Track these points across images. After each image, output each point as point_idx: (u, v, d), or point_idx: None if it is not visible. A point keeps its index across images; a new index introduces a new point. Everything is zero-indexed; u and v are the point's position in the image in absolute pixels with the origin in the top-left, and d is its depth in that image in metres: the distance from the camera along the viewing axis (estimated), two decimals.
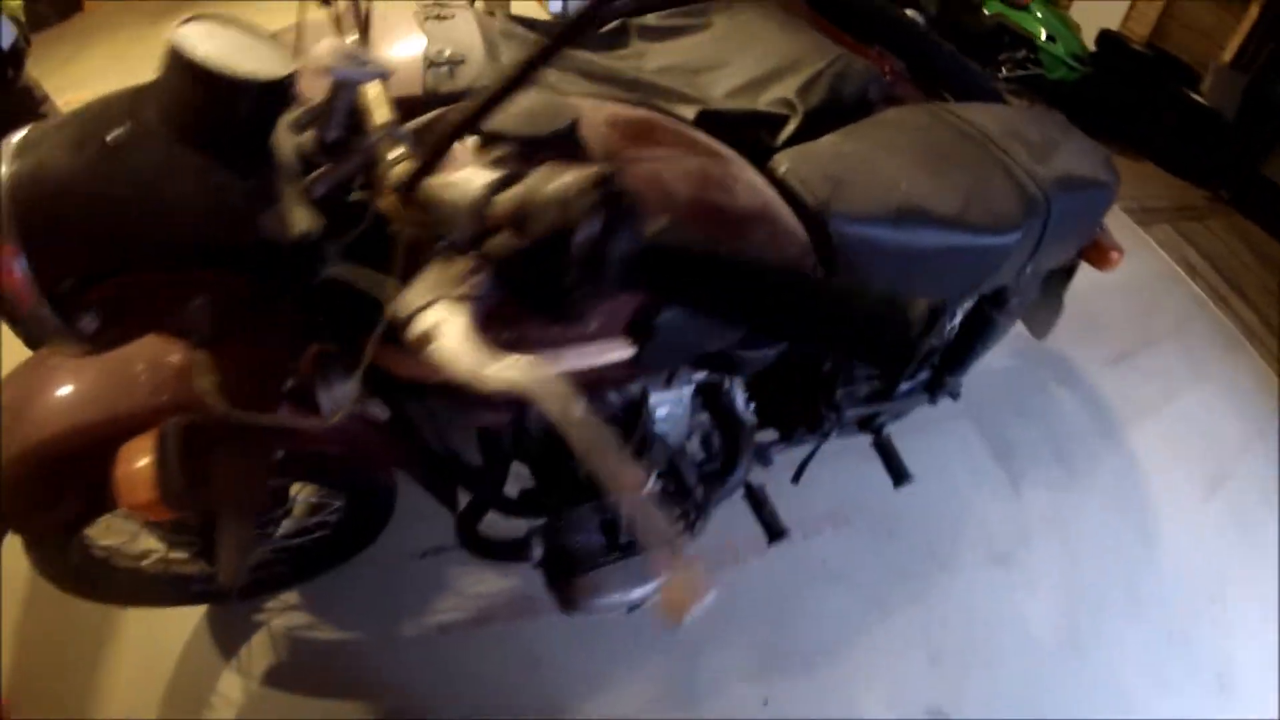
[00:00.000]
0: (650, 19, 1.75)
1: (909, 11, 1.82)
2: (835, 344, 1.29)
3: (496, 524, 1.13)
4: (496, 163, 0.57)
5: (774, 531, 1.36)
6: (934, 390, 1.52)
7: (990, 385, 1.95)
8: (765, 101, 1.48)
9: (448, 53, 1.33)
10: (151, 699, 1.31)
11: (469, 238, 0.56)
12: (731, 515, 1.38)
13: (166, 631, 1.36)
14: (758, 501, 1.37)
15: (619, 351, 0.90)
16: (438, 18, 1.46)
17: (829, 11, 1.75)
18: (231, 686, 1.31)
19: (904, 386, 1.45)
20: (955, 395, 1.57)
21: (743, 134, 1.45)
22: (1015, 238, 1.18)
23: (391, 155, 0.65)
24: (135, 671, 1.34)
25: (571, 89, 1.39)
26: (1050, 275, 1.56)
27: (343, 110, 0.69)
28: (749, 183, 1.02)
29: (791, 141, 1.41)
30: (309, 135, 0.69)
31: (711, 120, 1.43)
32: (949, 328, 1.42)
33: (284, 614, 1.40)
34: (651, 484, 1.01)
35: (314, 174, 0.67)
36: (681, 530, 1.16)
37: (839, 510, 1.65)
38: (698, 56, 1.63)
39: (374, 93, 0.74)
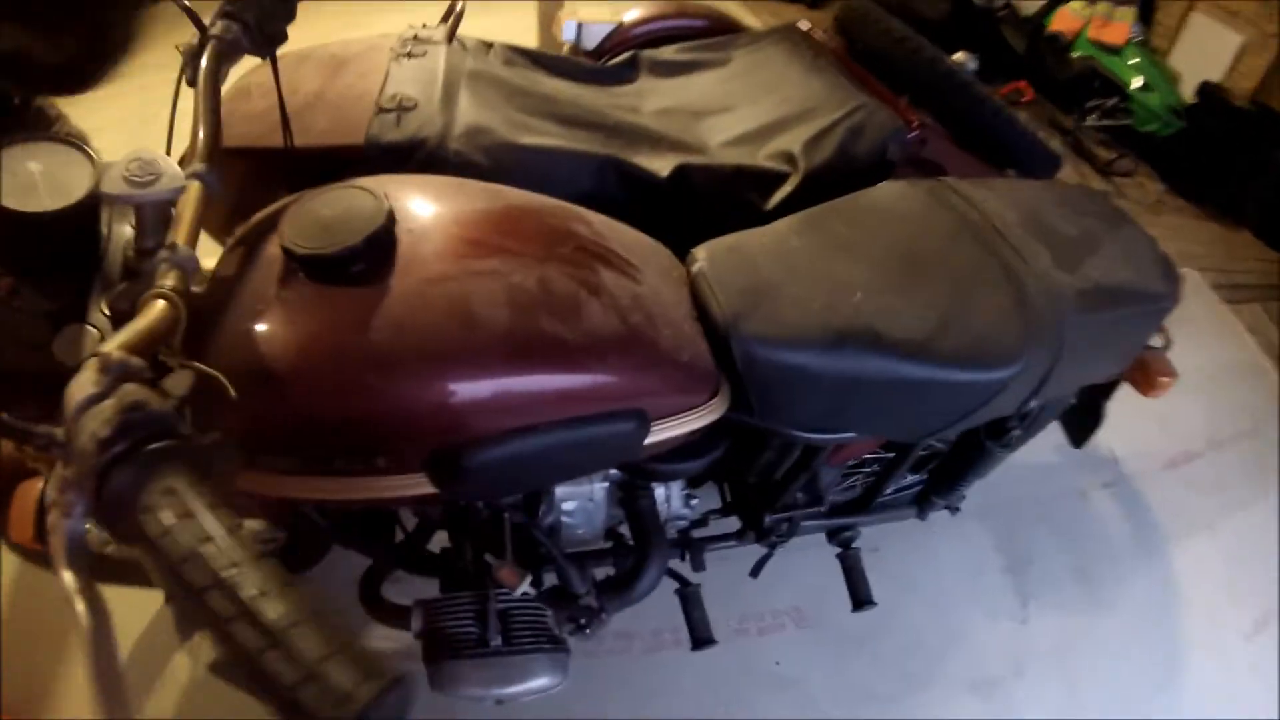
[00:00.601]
0: (667, 52, 1.63)
1: (960, 55, 1.62)
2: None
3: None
4: (105, 369, 0.49)
5: (698, 638, 1.20)
6: (923, 506, 1.32)
7: (1014, 482, 1.67)
8: (765, 154, 1.33)
9: (399, 97, 1.25)
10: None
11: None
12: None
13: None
14: (688, 601, 1.21)
15: (414, 488, 0.76)
16: (409, 55, 1.37)
17: (860, 51, 1.57)
18: (181, 668, 1.36)
19: (880, 498, 1.26)
20: (953, 509, 1.36)
21: (730, 193, 1.31)
22: (1007, 373, 0.93)
23: (163, 280, 0.61)
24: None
25: (538, 132, 1.28)
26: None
27: (149, 222, 0.69)
28: (617, 298, 0.82)
29: (788, 205, 1.25)
30: (127, 246, 0.72)
31: (691, 176, 1.29)
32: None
33: None
34: (525, 585, 0.90)
35: (114, 291, 0.69)
36: (568, 631, 1.03)
37: (803, 608, 1.47)
38: (705, 97, 1.50)
39: (187, 201, 0.70)
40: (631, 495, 1.06)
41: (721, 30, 1.81)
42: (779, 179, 1.29)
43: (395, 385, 0.70)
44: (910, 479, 1.30)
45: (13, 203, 0.66)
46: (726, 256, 0.97)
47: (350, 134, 1.22)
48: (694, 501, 1.16)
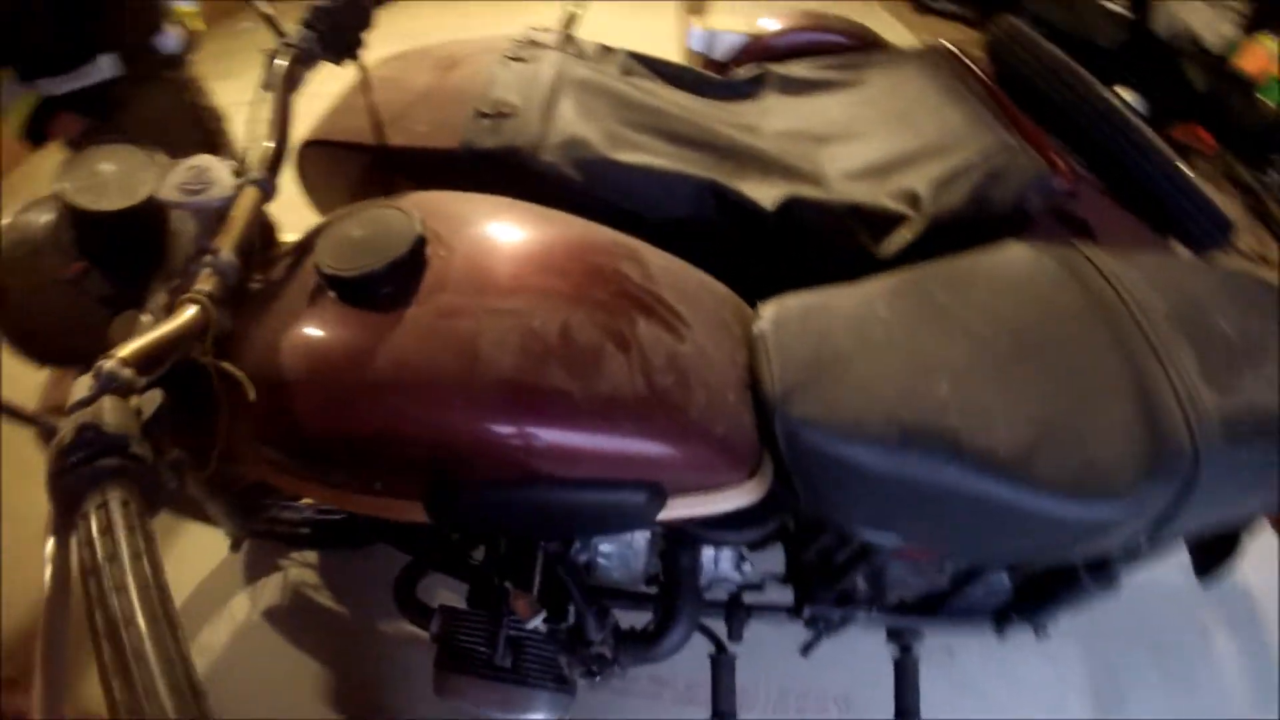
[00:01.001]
0: (798, 68, 1.53)
1: (1124, 92, 1.42)
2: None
3: None
4: (96, 376, 0.54)
5: (719, 710, 1.09)
6: (1002, 621, 1.11)
7: (1122, 601, 1.26)
8: (887, 191, 1.21)
9: (498, 103, 1.22)
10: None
11: None
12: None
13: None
14: (717, 668, 1.10)
15: (409, 514, 0.74)
16: (517, 59, 1.34)
17: (1010, 81, 1.40)
18: (240, 608, 1.53)
19: (953, 602, 1.08)
20: (1039, 632, 1.13)
21: (842, 232, 1.20)
22: (1115, 510, 0.74)
23: (201, 285, 0.66)
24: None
25: (638, 148, 1.22)
26: None
27: (204, 226, 0.74)
28: (648, 356, 0.74)
29: (906, 253, 1.12)
30: (189, 244, 0.76)
31: (801, 209, 1.20)
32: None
33: (302, 569, 1.58)
34: (538, 620, 0.86)
35: (170, 285, 0.75)
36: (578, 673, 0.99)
37: (852, 696, 1.31)
38: (832, 121, 1.39)
39: (241, 207, 0.74)
40: (673, 550, 0.97)
41: (863, 46, 1.69)
42: (898, 222, 1.17)
43: (391, 413, 0.70)
44: (994, 582, 1.14)
45: (83, 200, 0.75)
46: (797, 318, 0.86)
47: (448, 137, 1.20)
48: (746, 566, 1.07)
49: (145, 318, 0.72)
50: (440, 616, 0.93)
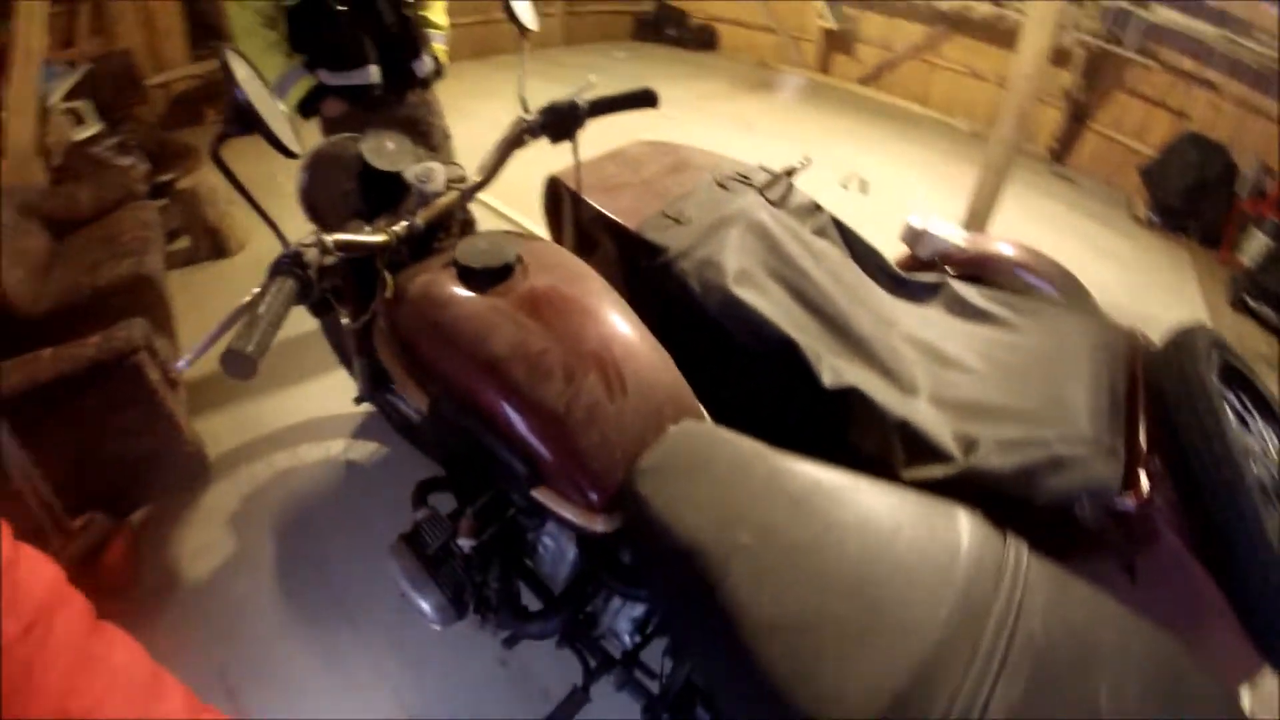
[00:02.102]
0: (975, 293, 1.57)
1: None
2: None
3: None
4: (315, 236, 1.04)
5: None
6: None
7: None
8: (955, 430, 1.24)
9: (681, 211, 1.50)
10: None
11: None
12: None
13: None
14: (568, 701, 1.27)
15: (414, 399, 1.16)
16: (723, 185, 1.61)
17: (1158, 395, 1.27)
18: (335, 445, 2.26)
19: None
20: None
21: (880, 440, 1.26)
22: None
23: (394, 229, 1.20)
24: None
25: (765, 295, 1.39)
26: None
27: (418, 200, 1.26)
28: (578, 395, 1.04)
29: (927, 488, 1.07)
30: (408, 205, 1.28)
31: (854, 402, 1.27)
32: None
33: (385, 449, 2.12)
34: (468, 543, 1.16)
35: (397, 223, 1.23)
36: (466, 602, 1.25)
37: None
38: (967, 349, 1.44)
39: (443, 200, 1.28)
40: (585, 577, 1.20)
41: (1065, 293, 1.64)
42: (936, 457, 1.22)
43: (441, 345, 1.12)
44: None
45: (368, 155, 1.30)
46: (705, 437, 1.04)
47: (633, 218, 1.54)
48: (634, 637, 1.23)
49: (365, 227, 1.20)
50: (424, 510, 1.26)
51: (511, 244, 1.20)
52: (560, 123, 1.33)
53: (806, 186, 1.79)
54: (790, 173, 1.74)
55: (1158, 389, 1.29)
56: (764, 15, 6.62)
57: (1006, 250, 1.72)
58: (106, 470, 1.97)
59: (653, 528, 0.90)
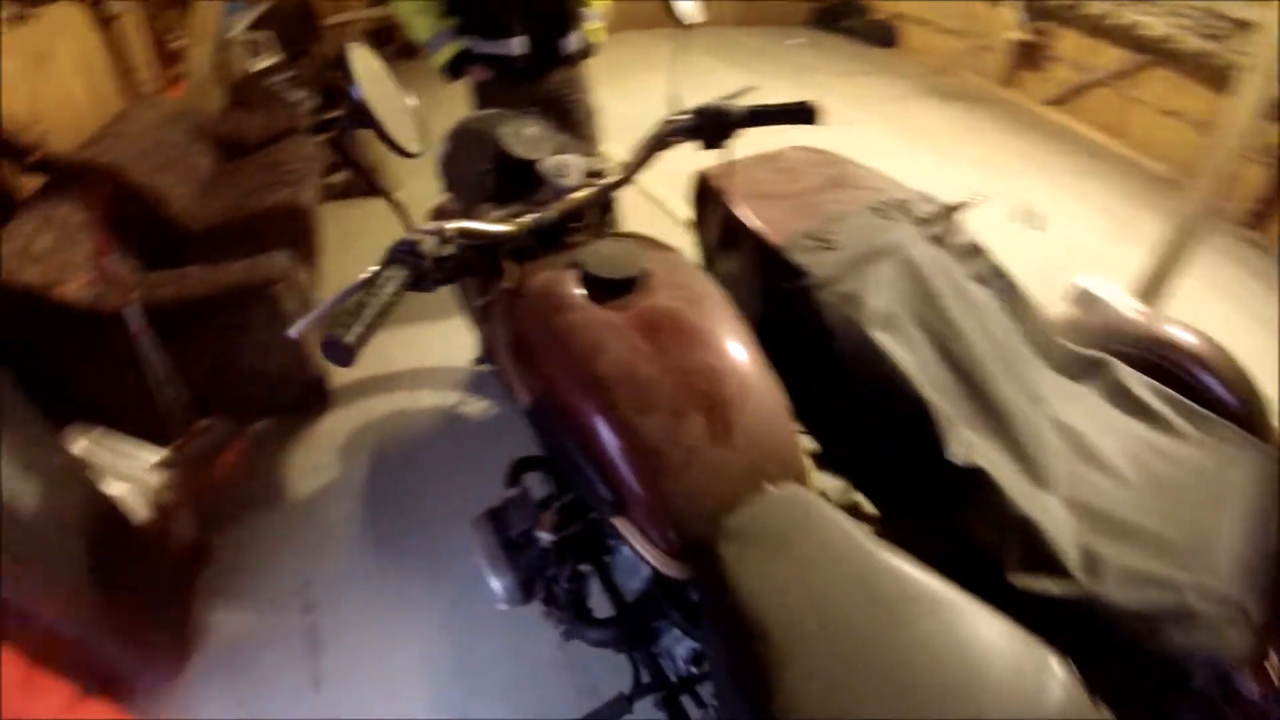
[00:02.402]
0: (1139, 384, 1.35)
1: None
2: None
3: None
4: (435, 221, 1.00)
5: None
6: None
7: None
8: (1081, 540, 1.11)
9: (829, 235, 1.39)
10: None
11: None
12: None
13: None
14: (612, 706, 1.25)
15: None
16: (880, 211, 1.47)
17: None
18: (448, 397, 2.32)
19: None
20: None
21: (996, 532, 1.12)
22: None
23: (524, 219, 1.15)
24: None
25: (902, 341, 1.28)
26: None
27: (552, 193, 1.20)
28: (676, 431, 0.94)
29: (1031, 605, 1.03)
30: (545, 195, 1.22)
31: (972, 482, 1.14)
32: None
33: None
34: (547, 537, 1.16)
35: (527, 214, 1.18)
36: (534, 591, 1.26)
37: None
38: (1115, 450, 1.25)
39: (578, 194, 1.20)
40: (650, 600, 1.17)
41: (1238, 413, 1.36)
42: (1054, 569, 1.07)
43: (550, 349, 1.05)
44: None
45: (505, 141, 1.26)
46: (792, 510, 0.92)
47: (778, 234, 1.45)
48: (690, 667, 1.18)
49: (492, 213, 1.15)
50: (515, 490, 1.28)
51: (640, 255, 1.11)
52: (711, 129, 1.23)
53: (973, 214, 1.62)
54: (957, 208, 1.57)
55: None
56: (953, 17, 6.16)
57: (1186, 339, 1.46)
58: (235, 383, 2.12)
59: (725, 593, 0.84)
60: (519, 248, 1.16)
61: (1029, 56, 5.65)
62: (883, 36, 6.75)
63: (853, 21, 6.83)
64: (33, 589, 1.30)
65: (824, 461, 1.42)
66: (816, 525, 0.89)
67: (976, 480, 1.13)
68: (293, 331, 0.95)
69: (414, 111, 1.39)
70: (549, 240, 1.19)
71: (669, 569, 0.95)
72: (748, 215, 1.50)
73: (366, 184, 3.27)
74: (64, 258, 1.88)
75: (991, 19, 5.76)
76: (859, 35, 6.78)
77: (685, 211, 1.92)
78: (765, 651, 0.78)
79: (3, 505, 1.24)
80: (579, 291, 1.08)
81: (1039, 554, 1.08)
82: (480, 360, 1.70)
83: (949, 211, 1.54)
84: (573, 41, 2.10)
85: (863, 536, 0.88)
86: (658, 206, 3.37)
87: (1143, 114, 5.01)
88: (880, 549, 0.87)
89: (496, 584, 1.20)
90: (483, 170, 1.26)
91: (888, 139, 4.51)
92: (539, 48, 2.04)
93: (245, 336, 2.04)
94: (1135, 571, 1.04)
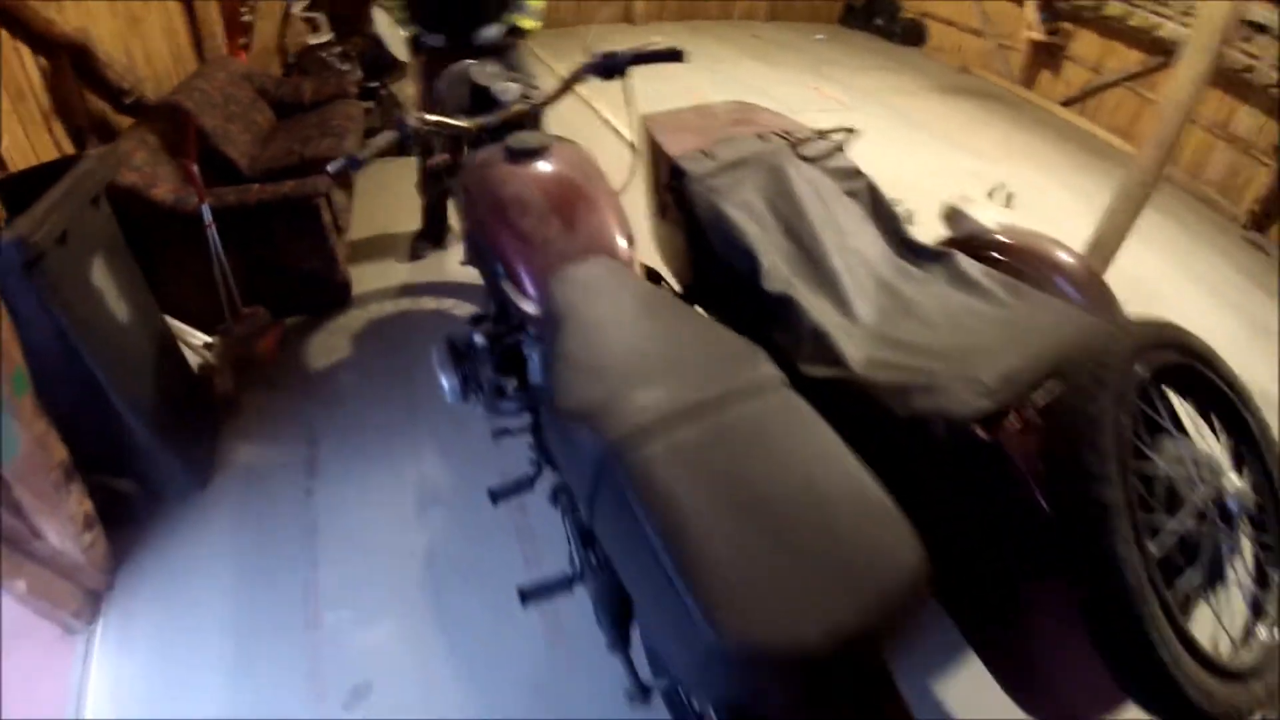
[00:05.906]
0: (977, 270, 1.57)
1: None
2: None
3: None
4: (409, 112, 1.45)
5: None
6: None
7: None
8: (865, 358, 1.36)
9: (715, 149, 1.82)
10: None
11: None
12: None
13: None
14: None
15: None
16: (762, 137, 1.89)
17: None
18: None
19: None
20: None
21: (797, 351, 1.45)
22: None
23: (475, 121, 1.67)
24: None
25: (747, 213, 1.68)
26: None
27: (498, 107, 1.70)
28: (562, 236, 1.42)
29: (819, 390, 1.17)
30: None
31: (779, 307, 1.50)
32: None
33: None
34: (480, 340, 1.56)
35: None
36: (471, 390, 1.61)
37: None
38: (935, 310, 1.47)
39: (513, 109, 1.70)
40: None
41: (1089, 299, 1.61)
42: (835, 363, 1.36)
43: (475, 192, 1.52)
44: None
45: (473, 75, 1.76)
46: (597, 269, 1.35)
47: (676, 150, 1.86)
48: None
49: (462, 118, 1.64)
50: (470, 326, 1.66)
51: (547, 140, 1.58)
52: (606, 68, 1.65)
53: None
54: (824, 135, 1.95)
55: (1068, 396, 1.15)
56: (976, 16, 6.36)
57: (1040, 245, 1.71)
58: (277, 280, 2.64)
59: (554, 311, 1.25)
60: (476, 141, 1.65)
61: (1047, 57, 5.81)
62: (910, 35, 6.85)
63: (883, 20, 6.94)
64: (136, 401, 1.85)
65: (691, 300, 1.85)
66: (619, 277, 1.33)
67: (785, 304, 1.50)
68: (331, 168, 1.42)
69: (404, 39, 1.93)
70: (497, 138, 1.64)
71: (530, 308, 1.38)
72: (664, 141, 1.93)
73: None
74: (155, 170, 2.41)
75: (1014, 19, 5.94)
76: (887, 33, 6.91)
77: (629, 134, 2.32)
78: (565, 343, 1.16)
79: (129, 346, 1.82)
80: (503, 159, 1.55)
81: (825, 353, 1.39)
82: (465, 261, 2.14)
83: (824, 138, 1.92)
84: (491, 34, 2.50)
85: (650, 286, 1.31)
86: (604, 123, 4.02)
87: (1155, 116, 5.13)
88: (659, 289, 1.30)
89: (445, 383, 1.59)
90: (460, 94, 1.75)
91: (889, 128, 4.79)
92: (452, 42, 2.46)
93: (289, 242, 2.55)
94: (901, 365, 1.31)
